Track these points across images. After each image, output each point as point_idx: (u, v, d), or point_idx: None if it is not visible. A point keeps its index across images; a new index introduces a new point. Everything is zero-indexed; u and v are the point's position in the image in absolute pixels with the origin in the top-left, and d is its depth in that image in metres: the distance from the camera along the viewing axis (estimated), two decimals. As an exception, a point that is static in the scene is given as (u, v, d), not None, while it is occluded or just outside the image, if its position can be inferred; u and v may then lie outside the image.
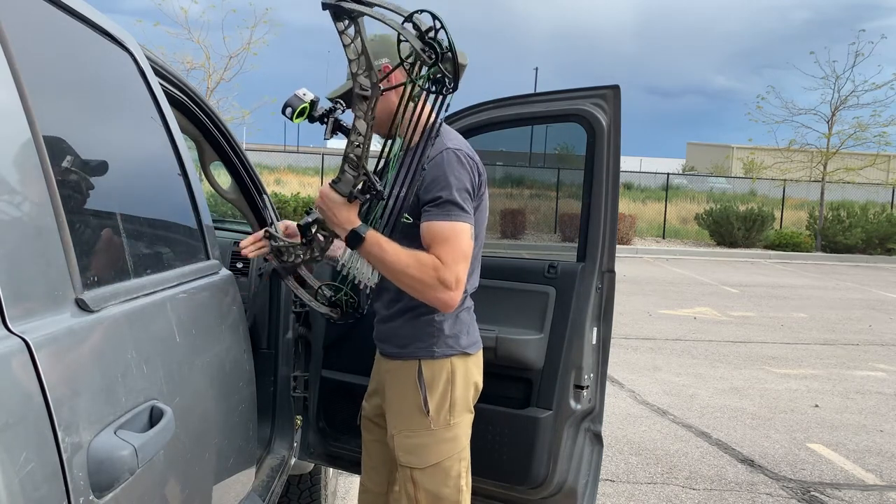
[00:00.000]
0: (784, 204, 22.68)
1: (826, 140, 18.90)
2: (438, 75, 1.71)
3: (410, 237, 1.86)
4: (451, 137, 1.92)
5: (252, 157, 2.22)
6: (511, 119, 2.46)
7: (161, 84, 1.73)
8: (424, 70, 1.71)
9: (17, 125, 0.98)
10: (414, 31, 1.67)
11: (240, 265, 2.77)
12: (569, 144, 2.99)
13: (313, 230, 1.92)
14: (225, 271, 1.81)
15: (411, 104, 1.78)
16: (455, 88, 1.76)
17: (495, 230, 17.23)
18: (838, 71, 18.53)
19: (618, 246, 2.53)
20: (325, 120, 1.89)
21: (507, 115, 2.45)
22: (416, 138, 1.86)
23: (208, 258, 1.72)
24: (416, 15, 1.66)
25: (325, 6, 1.62)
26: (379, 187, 1.79)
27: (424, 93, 1.77)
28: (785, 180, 21.79)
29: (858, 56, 18.10)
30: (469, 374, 2.00)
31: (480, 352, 2.06)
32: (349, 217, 1.81)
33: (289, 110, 1.89)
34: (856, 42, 18.01)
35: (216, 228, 2.18)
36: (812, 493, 3.87)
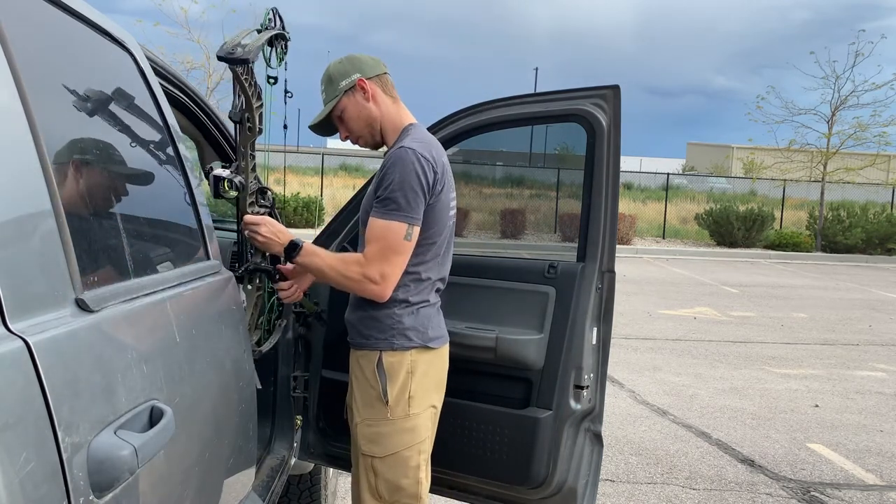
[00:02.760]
0: (784, 204, 22.66)
1: (826, 140, 18.89)
2: (280, 46, 2.15)
3: None
4: (416, 137, 2.03)
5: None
6: (511, 119, 2.45)
7: (161, 84, 1.73)
8: (278, 48, 2.14)
9: (17, 125, 0.98)
10: (270, 28, 2.09)
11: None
12: (569, 144, 3.00)
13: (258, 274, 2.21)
14: (225, 271, 1.81)
15: (378, 105, 2.07)
16: (286, 45, 2.17)
17: (495, 230, 17.22)
18: (838, 71, 18.55)
19: (618, 246, 2.53)
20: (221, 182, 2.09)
21: (506, 115, 2.45)
22: (390, 138, 2.08)
23: (208, 258, 1.72)
24: (268, 18, 2.09)
25: (236, 61, 1.94)
26: (268, 189, 2.18)
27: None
28: (785, 180, 21.78)
29: (858, 56, 18.10)
30: (431, 367, 2.07)
31: (446, 346, 2.14)
32: (284, 230, 2.07)
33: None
34: (856, 42, 18.03)
35: (216, 228, 2.18)
36: (812, 493, 3.87)
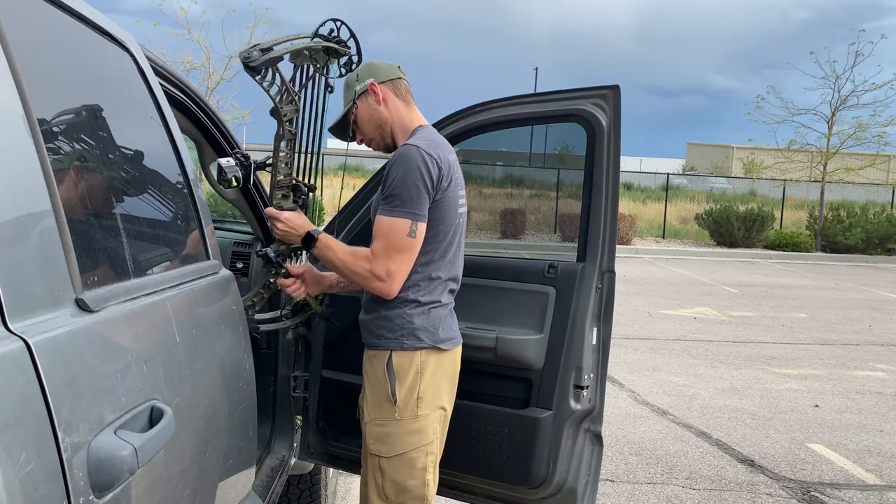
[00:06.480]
0: (784, 204, 22.66)
1: (826, 140, 18.90)
2: (344, 59, 2.24)
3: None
4: (422, 136, 2.06)
5: (252, 158, 2.29)
6: (511, 119, 2.46)
7: (161, 84, 1.73)
8: (341, 60, 2.22)
9: (17, 125, 0.98)
10: (321, 40, 2.15)
11: (240, 265, 2.77)
12: (569, 144, 3.00)
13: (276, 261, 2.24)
14: (225, 271, 1.81)
15: (389, 108, 2.12)
16: (360, 59, 2.24)
17: (495, 230, 17.22)
18: (838, 71, 18.56)
19: (618, 246, 2.53)
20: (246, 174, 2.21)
21: (507, 116, 2.45)
22: (399, 140, 2.11)
23: (208, 258, 1.72)
24: (320, 28, 2.15)
25: (244, 66, 2.01)
26: (303, 185, 2.20)
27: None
28: (785, 180, 21.78)
29: (858, 56, 18.11)
30: (441, 369, 2.06)
31: (458, 349, 2.14)
32: (304, 222, 2.12)
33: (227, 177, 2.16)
34: (856, 42, 18.05)
35: (216, 228, 2.18)
36: (812, 493, 3.87)
